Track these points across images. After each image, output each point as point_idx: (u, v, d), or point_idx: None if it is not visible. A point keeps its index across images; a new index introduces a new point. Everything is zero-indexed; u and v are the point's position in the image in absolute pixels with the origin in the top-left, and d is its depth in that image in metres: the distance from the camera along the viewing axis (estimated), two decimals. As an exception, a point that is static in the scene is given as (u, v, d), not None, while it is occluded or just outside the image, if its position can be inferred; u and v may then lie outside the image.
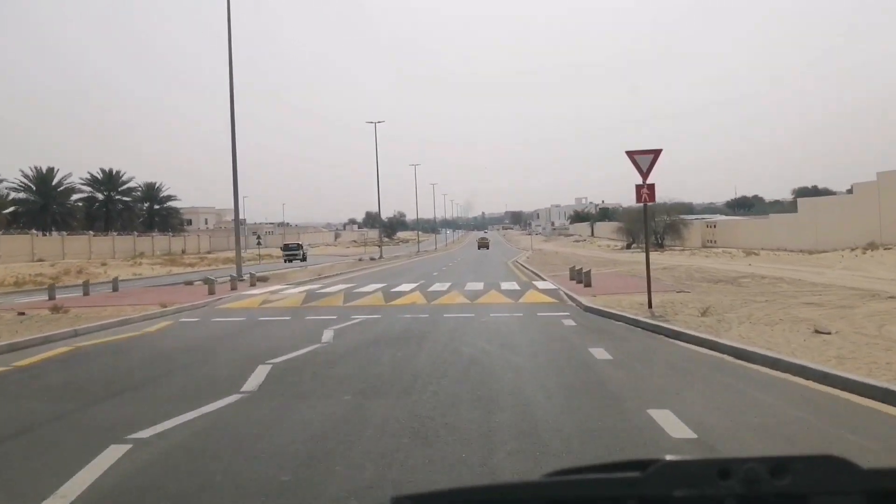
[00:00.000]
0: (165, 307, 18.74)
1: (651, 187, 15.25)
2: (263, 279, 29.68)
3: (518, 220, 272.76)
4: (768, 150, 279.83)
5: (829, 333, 10.77)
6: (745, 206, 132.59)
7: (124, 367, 10.80)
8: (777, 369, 8.59)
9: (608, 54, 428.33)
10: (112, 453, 5.60)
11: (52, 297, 23.09)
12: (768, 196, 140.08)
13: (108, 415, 7.31)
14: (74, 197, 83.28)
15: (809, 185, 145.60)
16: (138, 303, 20.62)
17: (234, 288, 25.88)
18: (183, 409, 7.11)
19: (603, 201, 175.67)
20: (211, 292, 23.13)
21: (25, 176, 76.91)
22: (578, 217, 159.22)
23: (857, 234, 40.69)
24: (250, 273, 30.58)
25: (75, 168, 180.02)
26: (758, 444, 5.54)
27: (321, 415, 6.97)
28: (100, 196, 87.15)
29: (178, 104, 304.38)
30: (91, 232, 76.22)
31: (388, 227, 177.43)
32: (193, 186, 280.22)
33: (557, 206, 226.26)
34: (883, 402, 6.83)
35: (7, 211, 73.60)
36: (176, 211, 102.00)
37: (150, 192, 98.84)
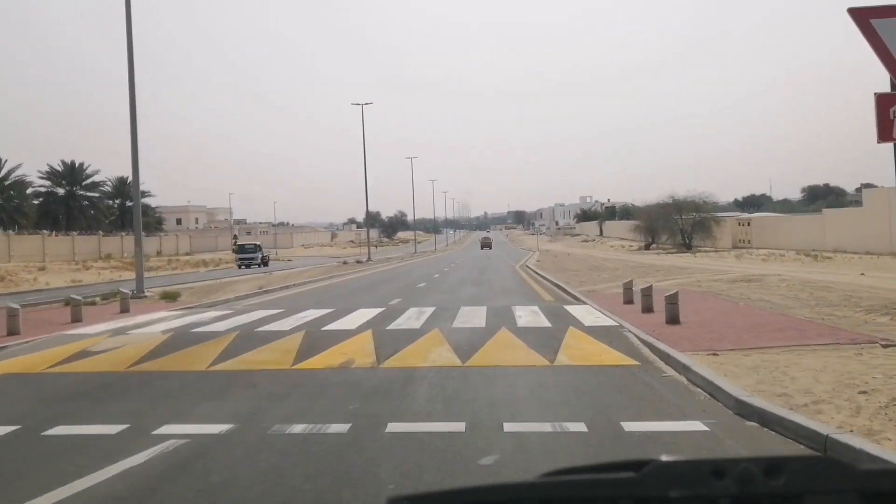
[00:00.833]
0: None
1: None
2: (171, 296, 20.96)
3: (521, 219, 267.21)
4: (769, 150, 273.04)
5: None
6: (753, 204, 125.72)
7: None
8: None
9: (603, 60, 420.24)
10: None
11: None
12: (775, 196, 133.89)
13: None
14: (30, 191, 74.58)
15: (820, 184, 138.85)
16: None
17: (127, 309, 17.46)
18: None
19: (609, 199, 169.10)
20: (12, 331, 14.10)
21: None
22: (586, 216, 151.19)
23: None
24: (164, 287, 22.01)
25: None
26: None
27: None
28: (60, 191, 78.51)
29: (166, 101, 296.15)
30: (46, 231, 67.73)
31: (389, 227, 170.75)
32: (182, 185, 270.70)
33: (561, 204, 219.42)
34: None
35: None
36: (150, 208, 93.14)
37: (122, 187, 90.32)
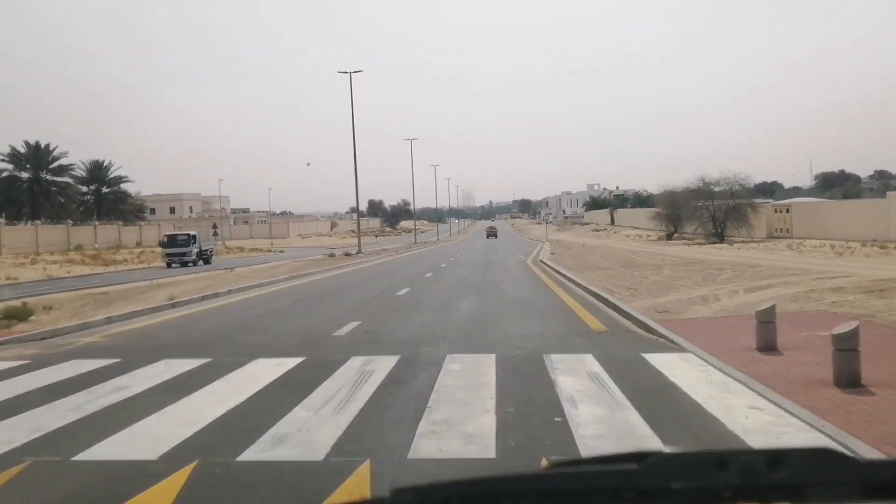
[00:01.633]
0: None
1: None
2: (18, 315, 13.78)
3: (526, 208, 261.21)
4: (775, 139, 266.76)
5: None
6: (765, 192, 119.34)
7: None
8: None
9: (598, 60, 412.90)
10: None
11: None
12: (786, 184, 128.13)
13: None
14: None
15: (835, 171, 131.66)
16: None
17: None
18: None
19: (617, 187, 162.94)
20: None
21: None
22: (595, 204, 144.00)
23: None
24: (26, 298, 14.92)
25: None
26: None
27: None
28: (24, 175, 71.48)
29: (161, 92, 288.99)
30: (2, 219, 60.86)
31: (392, 217, 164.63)
32: (175, 172, 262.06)
33: (568, 193, 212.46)
34: None
35: None
36: (126, 195, 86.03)
37: (97, 172, 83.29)
